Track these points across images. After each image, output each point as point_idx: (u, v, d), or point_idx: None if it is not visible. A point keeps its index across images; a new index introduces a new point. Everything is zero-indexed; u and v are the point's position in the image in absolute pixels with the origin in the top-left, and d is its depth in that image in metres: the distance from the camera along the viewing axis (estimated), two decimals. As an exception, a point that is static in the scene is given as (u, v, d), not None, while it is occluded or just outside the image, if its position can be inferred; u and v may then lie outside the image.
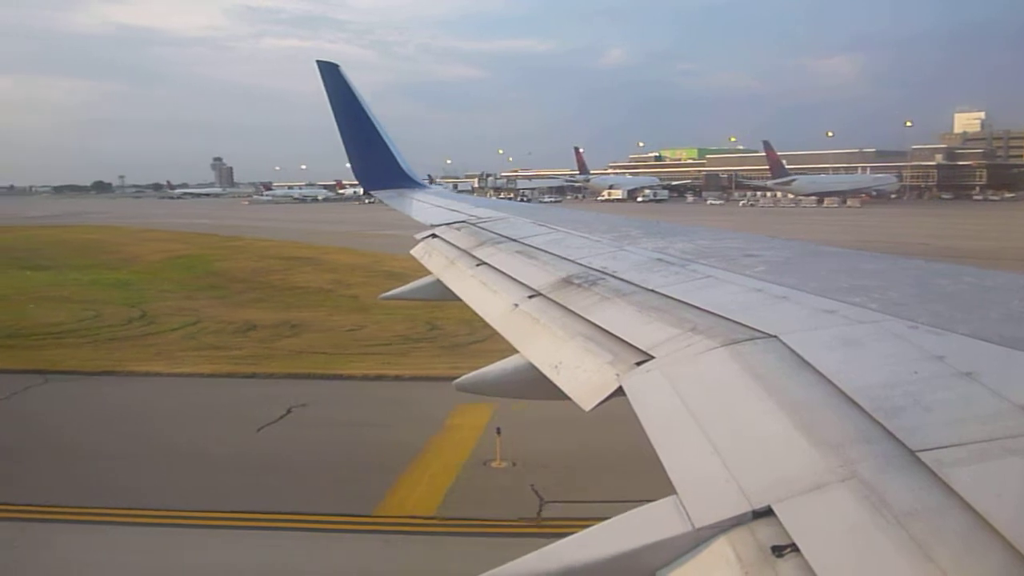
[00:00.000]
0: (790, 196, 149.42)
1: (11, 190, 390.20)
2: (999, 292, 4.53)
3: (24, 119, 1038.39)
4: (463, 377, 5.36)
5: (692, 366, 3.58)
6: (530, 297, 5.69)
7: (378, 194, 16.21)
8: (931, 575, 1.88)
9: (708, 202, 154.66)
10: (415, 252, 9.92)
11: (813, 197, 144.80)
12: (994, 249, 50.08)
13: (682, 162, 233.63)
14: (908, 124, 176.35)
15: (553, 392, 4.23)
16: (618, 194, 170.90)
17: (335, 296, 38.77)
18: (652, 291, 4.98)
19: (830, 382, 2.96)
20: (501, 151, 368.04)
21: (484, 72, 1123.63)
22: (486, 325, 19.67)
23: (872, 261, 5.77)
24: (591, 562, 2.51)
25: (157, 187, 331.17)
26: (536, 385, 4.58)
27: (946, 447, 2.35)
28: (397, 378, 22.47)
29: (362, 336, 28.98)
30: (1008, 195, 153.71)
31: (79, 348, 27.10)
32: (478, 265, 7.48)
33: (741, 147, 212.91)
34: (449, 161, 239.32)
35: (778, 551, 2.16)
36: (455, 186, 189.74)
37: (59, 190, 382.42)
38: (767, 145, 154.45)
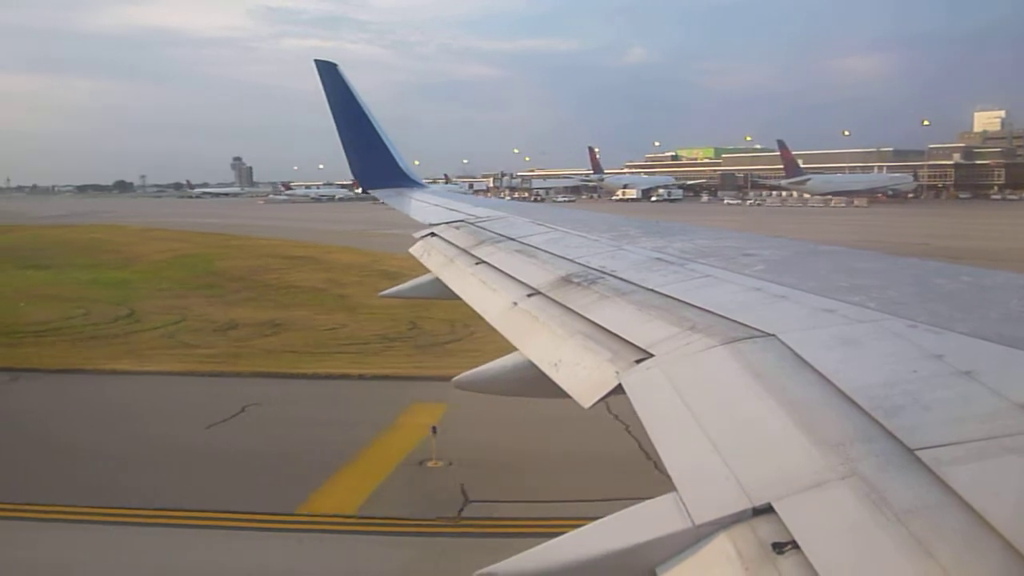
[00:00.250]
0: (802, 196, 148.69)
1: (34, 189, 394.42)
2: (998, 291, 4.56)
3: (48, 120, 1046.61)
4: (461, 375, 5.39)
5: (691, 364, 3.62)
6: (529, 296, 5.75)
7: (376, 193, 16.33)
8: (930, 572, 1.90)
9: (725, 201, 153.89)
10: (414, 251, 9.99)
11: (818, 197, 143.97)
12: (993, 250, 49.53)
13: (698, 161, 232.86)
14: (925, 123, 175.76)
15: (552, 390, 4.26)
16: (632, 193, 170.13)
17: (326, 295, 38.88)
18: (651, 290, 5.03)
19: (829, 381, 2.98)
20: (516, 150, 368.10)
21: (504, 72, 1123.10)
22: (466, 325, 20.05)
23: (871, 260, 5.82)
24: (591, 558, 2.54)
25: (177, 187, 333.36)
26: (535, 383, 4.62)
27: (945, 446, 2.37)
28: (360, 377, 22.45)
29: (341, 335, 29.06)
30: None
31: (56, 346, 27.18)
32: (477, 264, 7.55)
33: (758, 146, 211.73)
34: (466, 161, 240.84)
35: (779, 548, 2.18)
36: (471, 185, 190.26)
37: (82, 189, 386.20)
38: (781, 144, 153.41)
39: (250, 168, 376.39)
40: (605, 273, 5.76)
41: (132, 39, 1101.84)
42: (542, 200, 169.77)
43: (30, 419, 19.05)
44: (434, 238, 9.82)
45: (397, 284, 11.14)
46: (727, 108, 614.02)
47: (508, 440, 16.80)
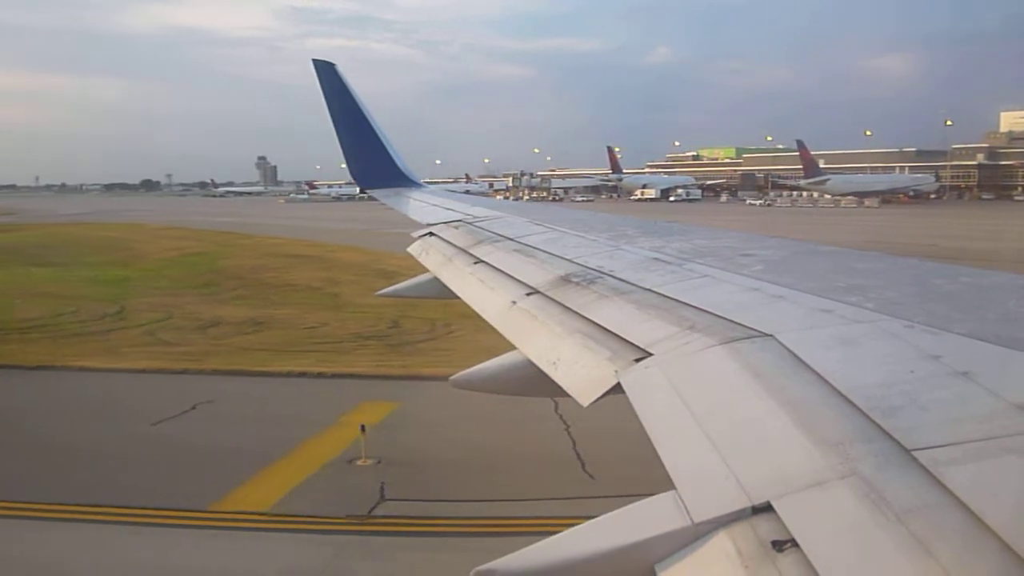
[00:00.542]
0: (812, 195, 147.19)
1: (63, 188, 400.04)
2: (996, 292, 4.55)
3: (78, 118, 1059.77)
4: (459, 374, 5.34)
5: (690, 364, 3.62)
6: (528, 295, 5.74)
7: (375, 193, 16.29)
8: (929, 571, 1.91)
9: (747, 202, 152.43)
10: (412, 250, 10.02)
11: (828, 197, 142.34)
12: (991, 250, 48.85)
13: (719, 161, 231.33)
14: (949, 123, 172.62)
15: (550, 388, 4.27)
16: (651, 193, 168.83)
17: (319, 294, 39.16)
18: (649, 290, 5.02)
19: (826, 381, 2.98)
20: (537, 150, 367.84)
21: (528, 71, 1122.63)
22: (446, 324, 20.28)
23: (869, 261, 5.80)
24: (591, 555, 2.53)
25: (202, 186, 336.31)
26: (533, 381, 4.62)
27: (942, 446, 2.37)
28: (319, 375, 22.68)
29: (318, 334, 29.26)
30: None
31: (37, 343, 27.45)
32: (475, 263, 7.54)
33: (780, 146, 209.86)
34: (487, 160, 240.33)
35: (778, 546, 2.18)
36: (491, 185, 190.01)
37: (109, 188, 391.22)
38: (800, 144, 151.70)
39: (274, 167, 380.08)
40: (603, 273, 5.76)
41: (161, 39, 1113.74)
42: (560, 200, 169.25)
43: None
44: (432, 238, 9.85)
45: (394, 283, 11.19)
46: (752, 108, 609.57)
47: (448, 439, 16.99)
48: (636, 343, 4.07)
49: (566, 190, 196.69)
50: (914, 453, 2.35)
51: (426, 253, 9.39)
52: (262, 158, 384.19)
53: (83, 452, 16.52)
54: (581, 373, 4.09)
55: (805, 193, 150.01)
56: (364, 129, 15.74)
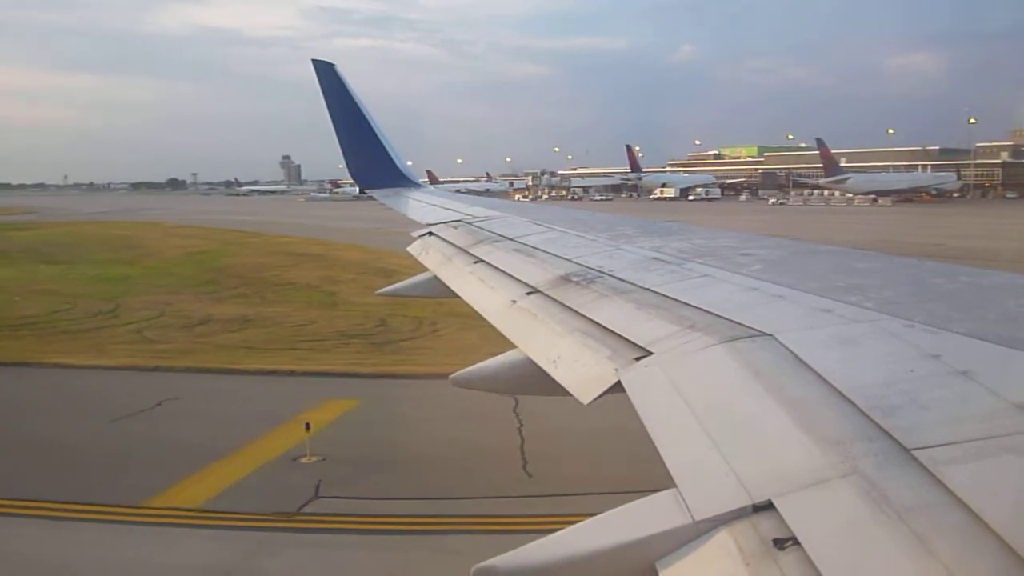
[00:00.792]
0: (823, 194, 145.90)
1: (91, 187, 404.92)
2: (995, 291, 4.56)
3: (106, 118, 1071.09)
4: (459, 373, 5.34)
5: (690, 362, 3.64)
6: (528, 294, 5.77)
7: (374, 193, 16.30)
8: (929, 570, 1.93)
9: (770, 202, 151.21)
10: (412, 249, 10.06)
11: (839, 196, 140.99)
12: (992, 250, 48.24)
13: (741, 160, 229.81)
14: (972, 121, 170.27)
15: (550, 387, 4.28)
16: (670, 192, 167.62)
17: (317, 292, 39.32)
18: (649, 290, 5.04)
19: (826, 381, 3.00)
20: (557, 149, 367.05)
21: (552, 70, 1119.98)
22: (433, 323, 20.49)
23: (869, 260, 5.81)
24: (592, 552, 2.54)
25: (227, 184, 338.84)
26: (533, 380, 4.65)
27: (941, 445, 2.38)
28: (290, 373, 22.75)
29: (305, 332, 29.33)
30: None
31: (25, 340, 27.63)
32: (475, 262, 7.57)
33: (803, 144, 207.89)
34: (509, 159, 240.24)
35: (780, 544, 2.19)
36: (511, 183, 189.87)
37: (135, 187, 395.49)
38: (820, 142, 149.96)
39: (298, 166, 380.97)
40: (603, 272, 5.79)
41: (189, 39, 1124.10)
42: (580, 199, 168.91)
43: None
44: (432, 237, 9.88)
45: (393, 282, 11.22)
46: (778, 106, 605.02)
47: (401, 437, 17.03)
48: (636, 342, 4.09)
49: (585, 189, 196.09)
50: (914, 452, 2.36)
51: (426, 252, 9.44)
52: (286, 157, 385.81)
53: (33, 447, 16.57)
54: (581, 372, 4.12)
55: (817, 192, 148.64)
56: (363, 129, 15.80)
